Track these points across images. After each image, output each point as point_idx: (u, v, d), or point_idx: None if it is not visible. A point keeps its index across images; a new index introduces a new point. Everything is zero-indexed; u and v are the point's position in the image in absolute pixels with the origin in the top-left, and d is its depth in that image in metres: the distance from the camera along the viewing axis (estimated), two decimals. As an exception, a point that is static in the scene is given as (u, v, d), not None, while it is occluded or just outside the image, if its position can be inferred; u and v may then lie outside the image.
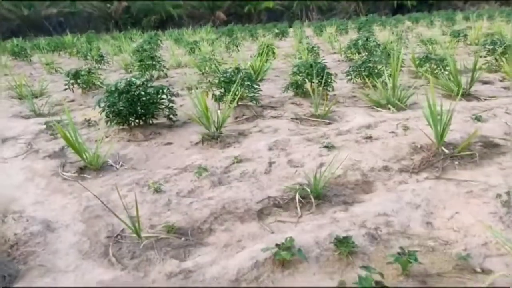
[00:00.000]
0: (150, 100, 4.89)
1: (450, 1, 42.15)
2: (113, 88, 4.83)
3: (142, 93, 4.91)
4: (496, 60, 7.45)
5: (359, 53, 9.79)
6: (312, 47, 9.39)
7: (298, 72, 5.83)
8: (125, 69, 10.34)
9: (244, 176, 3.55)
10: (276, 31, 19.25)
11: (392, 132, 4.26)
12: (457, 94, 5.74)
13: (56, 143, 4.70)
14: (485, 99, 5.67)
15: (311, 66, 5.61)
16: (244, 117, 5.29)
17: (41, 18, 33.34)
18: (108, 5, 34.89)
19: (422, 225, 2.63)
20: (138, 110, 4.90)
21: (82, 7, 34.33)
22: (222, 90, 5.39)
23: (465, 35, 12.12)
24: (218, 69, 8.35)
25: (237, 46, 12.58)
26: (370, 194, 3.10)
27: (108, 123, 4.94)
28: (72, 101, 7.22)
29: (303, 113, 5.33)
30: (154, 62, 8.40)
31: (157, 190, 3.34)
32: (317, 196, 3.03)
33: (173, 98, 5.07)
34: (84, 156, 3.99)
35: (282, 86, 7.25)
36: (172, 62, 10.58)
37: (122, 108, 4.77)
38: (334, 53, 12.19)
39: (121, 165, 4.03)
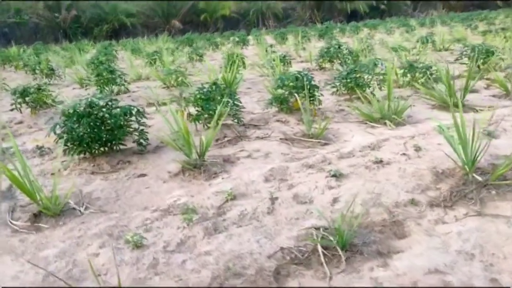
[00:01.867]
0: (117, 123, 4.15)
1: (401, 7, 43.33)
2: (71, 111, 4.06)
3: (107, 115, 4.17)
4: (479, 67, 7.18)
5: (331, 61, 9.36)
6: (284, 56, 8.85)
7: (281, 85, 5.22)
8: (80, 83, 9.40)
9: (244, 219, 2.90)
10: (237, 39, 18.65)
11: (404, 154, 3.73)
12: (455, 106, 5.37)
13: (3, 179, 3.85)
14: (481, 110, 5.29)
15: (296, 78, 5.03)
16: (226, 139, 4.62)
17: (-17, 29, 31.23)
18: (56, 14, 32.98)
19: (486, 284, 2.08)
20: (102, 135, 4.14)
21: (28, 17, 32.29)
22: (199, 108, 4.71)
23: (433, 41, 12.01)
24: (185, 82, 7.66)
25: (201, 56, 11.87)
26: (406, 239, 2.53)
27: (67, 152, 4.15)
28: (20, 122, 6.30)
29: (292, 132, 4.73)
30: (114, 76, 7.56)
31: (138, 245, 2.63)
32: (343, 245, 2.43)
33: (143, 120, 4.34)
34: (38, 198, 3.22)
35: (259, 100, 6.68)
36: (132, 75, 9.74)
37: (83, 134, 4.01)
38: (302, 61, 11.74)
39: (86, 208, 3.28)
